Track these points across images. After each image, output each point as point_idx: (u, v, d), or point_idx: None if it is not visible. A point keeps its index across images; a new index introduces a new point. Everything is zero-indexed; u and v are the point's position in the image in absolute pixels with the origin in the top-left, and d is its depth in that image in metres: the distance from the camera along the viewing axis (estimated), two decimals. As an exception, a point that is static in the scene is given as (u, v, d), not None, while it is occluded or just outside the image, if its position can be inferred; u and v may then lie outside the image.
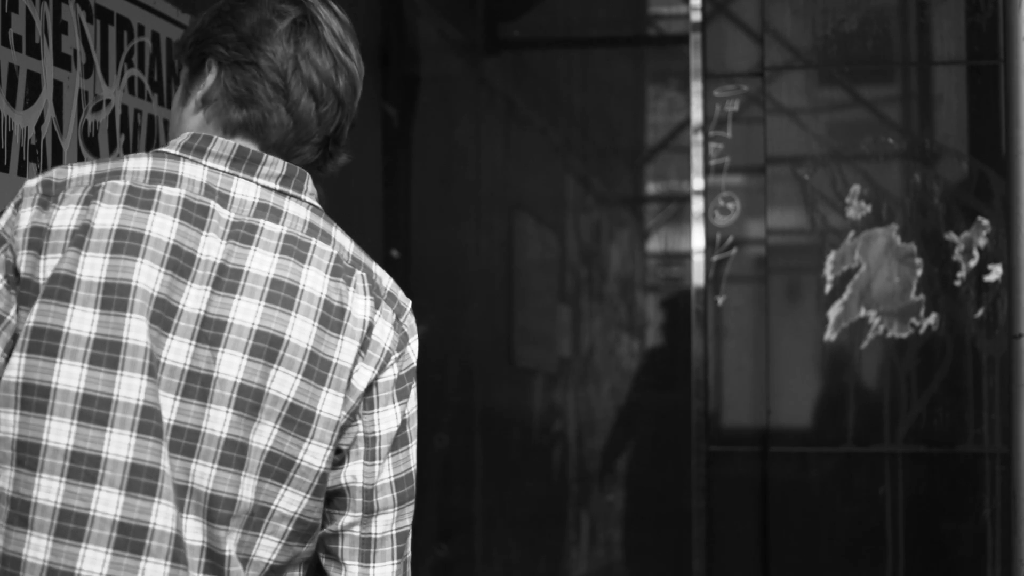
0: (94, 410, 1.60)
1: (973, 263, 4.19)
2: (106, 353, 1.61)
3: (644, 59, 6.24)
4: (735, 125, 4.39)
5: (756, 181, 4.38)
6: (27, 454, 1.60)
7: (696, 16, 4.45)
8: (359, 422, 1.70)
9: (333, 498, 1.73)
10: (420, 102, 5.51)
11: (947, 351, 4.20)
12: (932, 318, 4.20)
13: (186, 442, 1.62)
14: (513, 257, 5.86)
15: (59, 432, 1.60)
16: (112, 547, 1.59)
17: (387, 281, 1.77)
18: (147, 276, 1.62)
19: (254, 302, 1.65)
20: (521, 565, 5.76)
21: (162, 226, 1.65)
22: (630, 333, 5.91)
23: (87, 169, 1.69)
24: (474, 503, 5.64)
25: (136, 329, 1.61)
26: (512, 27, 5.86)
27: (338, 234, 1.76)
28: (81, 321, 1.61)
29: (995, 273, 4.17)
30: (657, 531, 5.47)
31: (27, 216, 1.66)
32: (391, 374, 1.72)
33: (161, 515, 1.60)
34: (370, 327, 1.70)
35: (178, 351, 1.63)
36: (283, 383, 1.64)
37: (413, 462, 1.75)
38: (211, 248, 1.66)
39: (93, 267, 1.62)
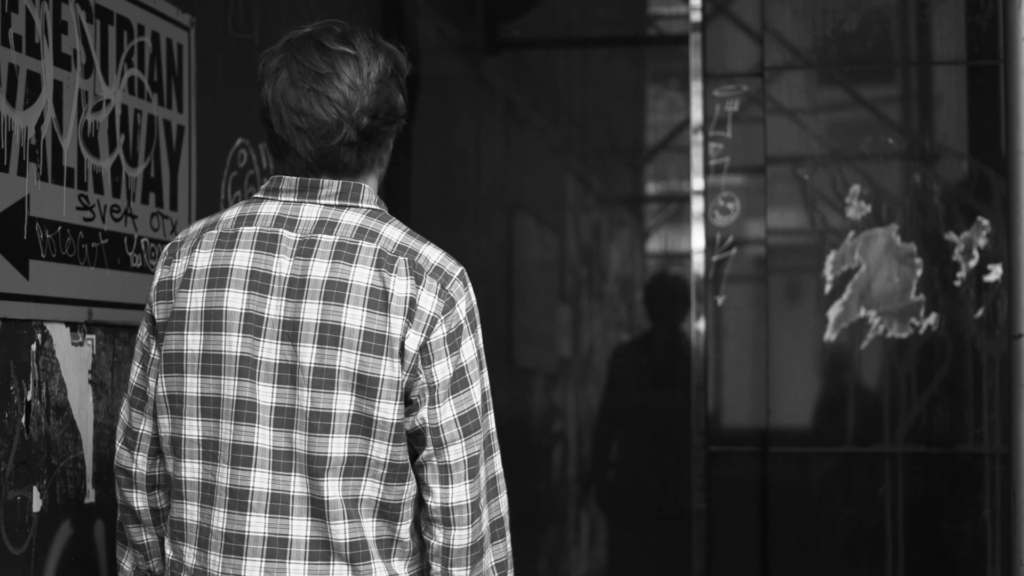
0: (210, 407, 2.14)
1: (973, 263, 4.19)
2: (211, 364, 2.14)
3: (644, 59, 6.24)
4: (735, 125, 4.39)
5: (756, 181, 4.38)
6: (175, 446, 2.17)
7: (696, 16, 4.44)
8: (421, 376, 2.13)
9: (415, 437, 2.15)
10: (420, 102, 5.50)
11: (947, 351, 4.20)
12: (932, 318, 4.20)
13: (286, 418, 2.12)
14: (513, 257, 5.86)
15: (191, 427, 2.16)
16: (226, 507, 2.14)
17: (434, 258, 2.17)
18: (234, 300, 2.14)
19: (316, 302, 2.12)
20: (521, 565, 5.76)
21: (242, 259, 2.15)
22: (630, 333, 5.91)
23: (197, 226, 2.24)
24: (474, 503, 5.63)
25: (229, 343, 2.13)
26: (512, 27, 5.86)
27: (388, 230, 2.18)
28: (193, 342, 2.15)
29: (995, 273, 4.17)
30: (657, 531, 5.47)
31: (156, 276, 2.23)
32: (440, 333, 2.14)
33: (257, 479, 2.12)
34: (412, 301, 2.12)
35: (270, 350, 2.12)
36: (348, 360, 2.10)
37: (475, 400, 2.17)
38: (282, 266, 2.14)
39: (196, 300, 2.16)
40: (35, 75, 2.57)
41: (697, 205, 4.39)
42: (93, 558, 2.76)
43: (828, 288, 4.25)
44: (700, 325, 4.38)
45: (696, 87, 4.41)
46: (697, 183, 4.40)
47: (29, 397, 2.53)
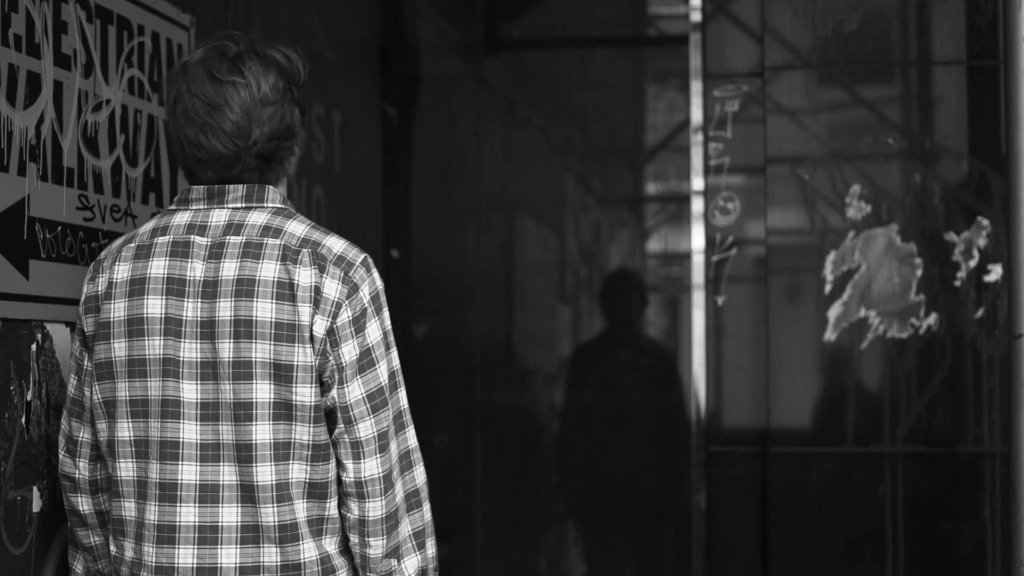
0: (139, 409, 2.27)
1: (973, 263, 4.19)
2: (137, 368, 2.27)
3: (644, 59, 6.24)
4: (735, 125, 4.39)
5: (756, 181, 4.38)
6: (111, 448, 2.30)
7: (696, 16, 4.44)
8: (330, 358, 2.24)
9: (329, 416, 2.26)
10: (420, 102, 5.50)
11: (947, 351, 4.20)
12: (932, 318, 4.20)
13: (212, 412, 2.23)
14: (513, 257, 5.86)
15: (123, 429, 2.28)
16: (157, 500, 2.25)
17: (337, 247, 2.28)
18: (153, 306, 2.26)
19: (228, 300, 2.24)
20: (521, 565, 5.76)
21: (158, 267, 2.28)
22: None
23: (117, 242, 2.36)
24: (474, 503, 5.64)
25: (152, 346, 2.25)
26: (512, 27, 5.86)
27: (291, 225, 2.30)
28: (119, 349, 2.28)
29: (995, 273, 4.17)
30: (657, 531, 5.47)
31: (83, 292, 2.36)
32: (345, 317, 2.25)
33: (185, 472, 2.24)
34: (317, 289, 2.24)
35: (191, 349, 2.24)
36: (263, 350, 2.22)
37: (383, 379, 2.28)
38: (196, 270, 2.26)
39: (119, 310, 2.28)
40: (35, 75, 2.57)
41: (697, 205, 4.39)
42: (93, 558, 2.76)
43: (828, 288, 4.25)
44: (700, 325, 4.37)
45: (696, 87, 4.41)
46: (697, 183, 4.40)
47: (29, 397, 2.53)
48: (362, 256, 2.29)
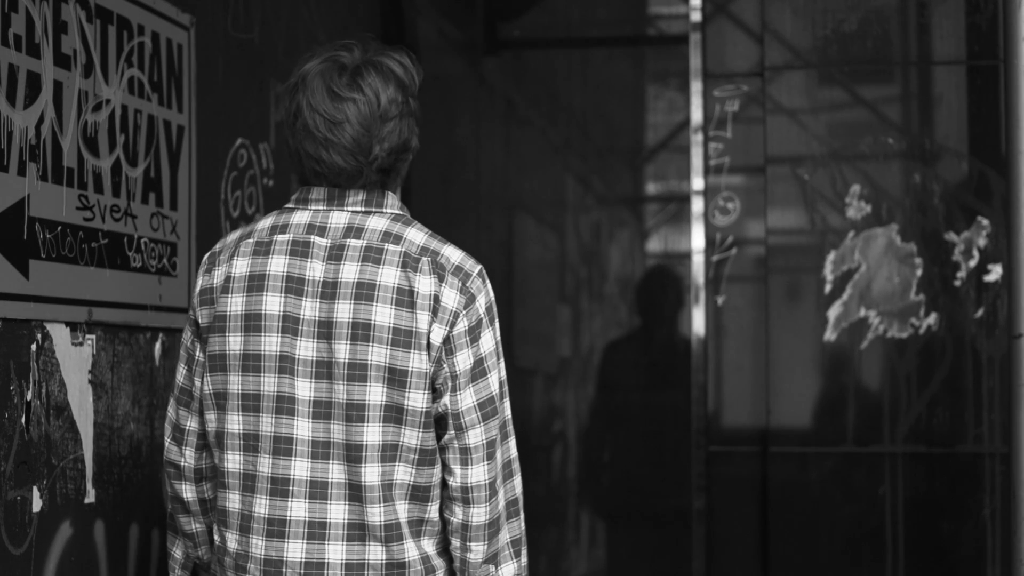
0: (251, 403, 2.31)
1: (973, 263, 4.19)
2: (251, 362, 2.31)
3: (644, 59, 6.24)
4: (735, 125, 4.39)
5: (756, 181, 4.38)
6: (219, 440, 2.35)
7: (696, 16, 4.44)
8: (444, 366, 2.29)
9: (438, 422, 2.32)
10: (420, 102, 5.50)
11: (947, 351, 4.20)
12: (932, 318, 4.20)
13: (324, 410, 2.28)
14: (513, 257, 5.86)
15: (233, 422, 2.33)
16: (268, 495, 2.30)
17: (455, 258, 2.33)
18: (272, 303, 2.30)
19: (348, 302, 2.28)
20: (521, 565, 5.75)
21: (278, 264, 2.32)
22: (625, 330, 5.90)
23: (234, 236, 2.41)
24: (474, 503, 5.63)
25: (269, 342, 2.30)
26: (512, 27, 5.86)
27: (411, 233, 2.34)
28: (235, 343, 2.32)
29: (995, 273, 4.17)
30: (657, 531, 5.47)
31: (198, 284, 2.41)
32: (462, 327, 2.30)
33: (298, 468, 2.28)
34: (436, 298, 2.29)
35: (306, 348, 2.28)
36: (379, 354, 2.27)
37: (493, 388, 2.33)
38: (315, 270, 2.30)
39: (236, 304, 2.33)
40: (35, 75, 2.57)
41: (697, 205, 4.39)
42: (93, 558, 2.76)
43: (828, 288, 4.25)
44: (700, 325, 4.37)
45: (696, 87, 4.41)
46: (697, 183, 4.40)
47: (29, 397, 2.53)
48: (478, 267, 2.36)
